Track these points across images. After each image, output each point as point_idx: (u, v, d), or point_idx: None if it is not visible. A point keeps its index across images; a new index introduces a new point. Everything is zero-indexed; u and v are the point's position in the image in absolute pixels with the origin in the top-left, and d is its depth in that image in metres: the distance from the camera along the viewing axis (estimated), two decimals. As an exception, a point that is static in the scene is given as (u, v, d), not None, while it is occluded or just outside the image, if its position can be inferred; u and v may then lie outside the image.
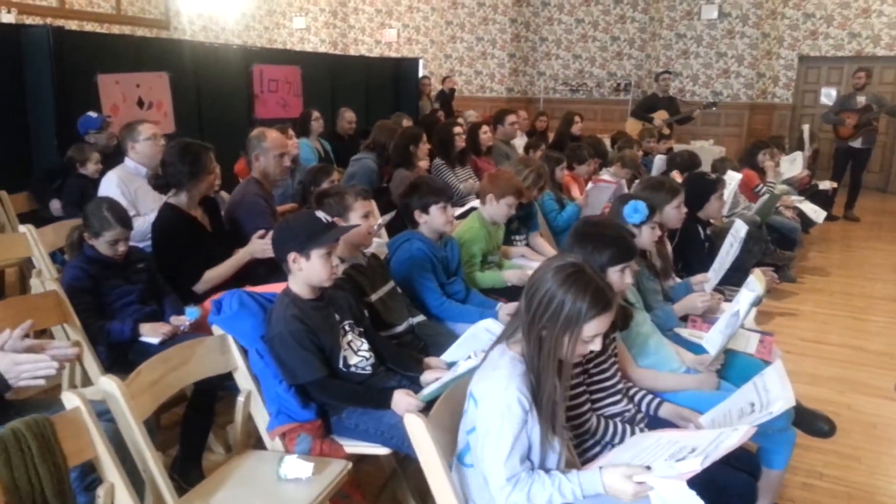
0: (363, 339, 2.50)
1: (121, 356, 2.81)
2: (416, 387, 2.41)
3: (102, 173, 4.24)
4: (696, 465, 1.63)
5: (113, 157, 4.47)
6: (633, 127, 8.84)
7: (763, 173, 6.39)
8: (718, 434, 1.79)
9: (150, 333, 2.83)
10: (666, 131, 8.81)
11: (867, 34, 10.67)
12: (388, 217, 3.66)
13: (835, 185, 8.28)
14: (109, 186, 3.84)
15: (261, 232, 3.24)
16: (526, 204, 4.37)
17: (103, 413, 1.98)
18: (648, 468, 1.71)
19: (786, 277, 5.75)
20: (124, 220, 2.92)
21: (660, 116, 8.85)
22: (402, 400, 2.27)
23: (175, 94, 6.01)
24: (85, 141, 4.72)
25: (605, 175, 5.82)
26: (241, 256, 3.25)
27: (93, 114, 4.81)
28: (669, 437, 1.91)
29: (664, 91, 9.18)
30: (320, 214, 2.40)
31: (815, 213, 6.52)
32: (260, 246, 3.21)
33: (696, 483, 1.65)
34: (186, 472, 2.71)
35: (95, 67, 5.28)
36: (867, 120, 8.39)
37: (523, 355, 1.80)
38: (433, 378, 2.33)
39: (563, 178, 5.26)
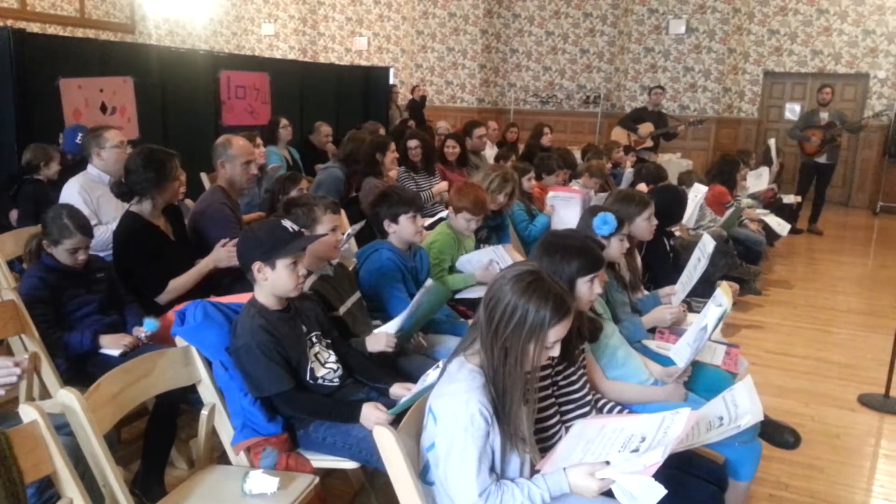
0: (330, 351, 2.46)
1: (80, 368, 2.74)
2: (385, 399, 2.38)
3: (61, 178, 4.13)
4: (658, 458, 1.67)
5: (77, 164, 4.34)
6: (618, 135, 8.97)
7: (735, 187, 6.50)
8: (661, 419, 1.82)
9: (111, 345, 2.75)
10: (649, 144, 8.92)
11: (829, 52, 10.95)
12: (357, 227, 3.63)
13: (799, 199, 8.46)
14: (71, 194, 3.74)
15: (223, 241, 3.19)
16: (497, 213, 4.37)
17: (62, 427, 1.92)
18: (607, 463, 1.74)
19: (751, 290, 5.83)
20: (85, 228, 2.85)
21: (645, 129, 8.95)
22: (371, 413, 2.24)
23: (139, 100, 5.91)
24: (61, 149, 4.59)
25: (575, 186, 5.85)
26: (203, 266, 3.19)
27: (80, 139, 4.46)
28: (613, 425, 1.94)
29: (655, 105, 9.27)
30: (286, 223, 2.36)
31: (780, 225, 6.64)
32: (223, 254, 3.15)
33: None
34: (148, 487, 2.64)
35: (58, 71, 5.17)
36: (831, 136, 8.59)
37: (482, 367, 1.78)
38: (402, 392, 2.30)
39: (532, 188, 5.27)
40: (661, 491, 1.64)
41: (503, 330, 1.74)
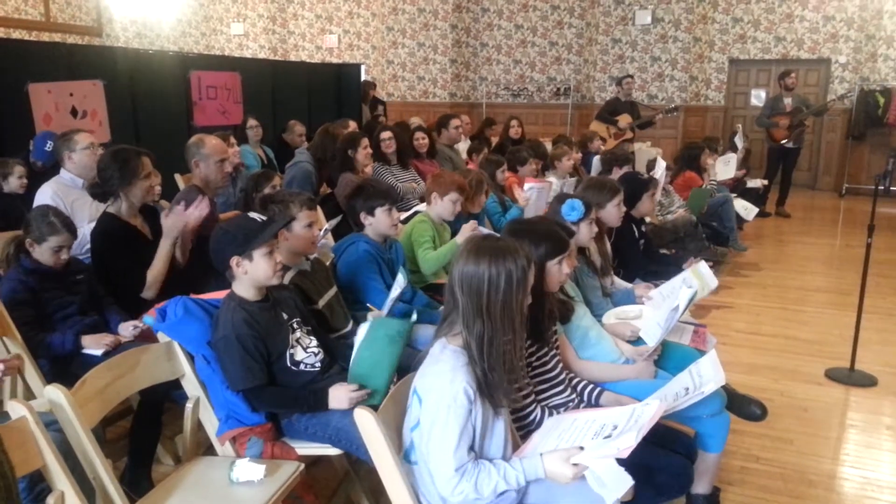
0: (312, 337, 2.51)
1: (64, 369, 2.75)
2: None
3: (29, 188, 4.12)
4: (631, 441, 1.73)
5: (46, 172, 4.31)
6: (597, 129, 9.01)
7: (705, 172, 6.62)
8: (632, 410, 1.90)
9: (93, 345, 2.78)
10: (630, 135, 9.02)
11: (791, 38, 11.15)
12: (334, 222, 3.68)
13: (765, 182, 8.64)
14: (44, 199, 3.73)
15: (165, 211, 3.21)
16: (474, 214, 4.44)
17: (50, 424, 1.96)
18: (581, 449, 1.81)
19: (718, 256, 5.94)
20: (70, 226, 2.88)
21: (624, 120, 9.03)
22: (340, 393, 2.29)
23: (110, 103, 5.86)
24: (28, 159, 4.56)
25: (551, 176, 5.95)
26: (163, 245, 3.17)
27: (49, 146, 4.45)
28: (586, 417, 2.01)
29: (627, 95, 9.31)
30: (254, 215, 2.41)
31: (746, 210, 6.76)
32: (170, 222, 3.15)
33: (632, 464, 1.74)
34: (136, 483, 2.67)
35: (26, 76, 5.14)
36: (798, 121, 8.78)
37: (464, 347, 1.84)
38: None
39: (505, 180, 5.36)
40: (630, 481, 1.71)
41: (476, 301, 1.81)
